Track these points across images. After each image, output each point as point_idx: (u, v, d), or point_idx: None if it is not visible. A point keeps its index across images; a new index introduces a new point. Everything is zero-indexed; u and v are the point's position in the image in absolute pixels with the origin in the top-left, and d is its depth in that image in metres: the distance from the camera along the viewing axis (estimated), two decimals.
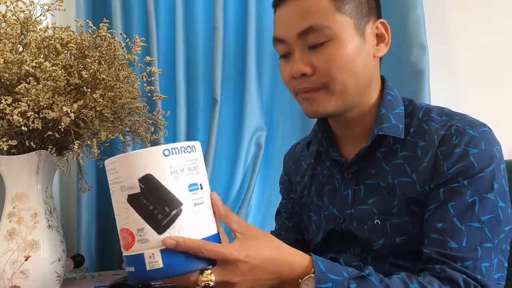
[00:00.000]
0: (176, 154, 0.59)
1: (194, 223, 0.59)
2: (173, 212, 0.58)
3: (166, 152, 0.59)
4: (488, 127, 0.75)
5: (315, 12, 0.73)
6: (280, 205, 1.01)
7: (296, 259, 0.65)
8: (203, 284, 0.58)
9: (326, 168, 0.87)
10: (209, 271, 0.60)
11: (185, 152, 0.60)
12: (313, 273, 0.63)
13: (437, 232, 0.70)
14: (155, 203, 0.58)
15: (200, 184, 0.60)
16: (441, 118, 0.76)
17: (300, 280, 0.63)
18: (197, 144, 0.63)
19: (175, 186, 0.59)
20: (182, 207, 0.58)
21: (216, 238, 0.62)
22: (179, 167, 0.59)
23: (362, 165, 0.80)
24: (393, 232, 0.75)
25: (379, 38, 0.79)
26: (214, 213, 0.63)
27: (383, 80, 0.83)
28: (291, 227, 0.96)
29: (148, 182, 0.58)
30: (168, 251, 0.58)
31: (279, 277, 0.63)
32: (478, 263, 0.68)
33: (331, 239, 0.84)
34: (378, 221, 0.77)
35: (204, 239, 0.59)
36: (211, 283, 0.59)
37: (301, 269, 0.64)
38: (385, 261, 0.76)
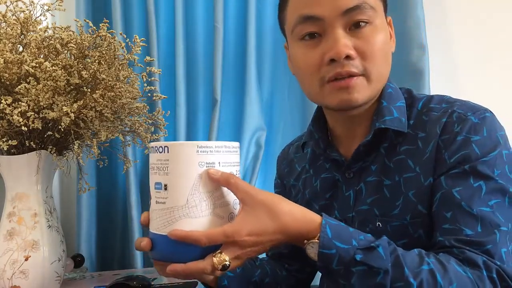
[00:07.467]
0: (152, 152, 0.65)
1: (156, 219, 0.63)
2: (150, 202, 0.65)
3: (151, 150, 0.65)
4: (491, 112, 0.71)
5: None
6: None
7: (303, 226, 0.62)
8: (221, 265, 0.58)
9: (326, 171, 0.83)
10: (218, 252, 0.59)
11: (156, 152, 0.64)
12: (318, 239, 0.60)
13: (448, 222, 0.66)
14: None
15: (165, 185, 0.62)
16: (441, 106, 0.73)
17: (305, 241, 0.62)
18: (172, 145, 0.62)
19: (150, 180, 0.65)
20: (150, 201, 0.65)
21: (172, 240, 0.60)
22: (152, 165, 0.65)
23: (364, 163, 0.77)
24: (394, 235, 0.71)
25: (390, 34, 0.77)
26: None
27: None
28: None
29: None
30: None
31: (286, 238, 0.61)
32: (498, 248, 0.63)
33: None
34: (380, 223, 0.73)
35: (158, 235, 0.62)
36: (227, 262, 0.58)
37: (309, 232, 0.61)
38: None
